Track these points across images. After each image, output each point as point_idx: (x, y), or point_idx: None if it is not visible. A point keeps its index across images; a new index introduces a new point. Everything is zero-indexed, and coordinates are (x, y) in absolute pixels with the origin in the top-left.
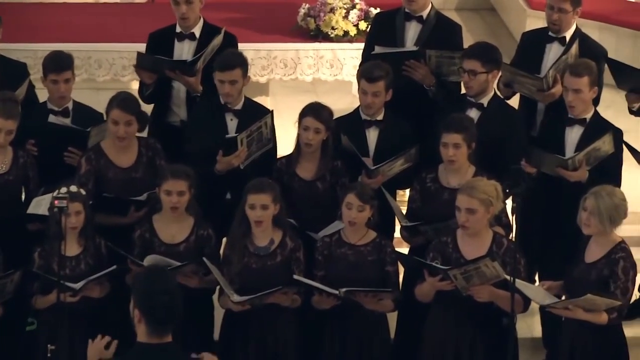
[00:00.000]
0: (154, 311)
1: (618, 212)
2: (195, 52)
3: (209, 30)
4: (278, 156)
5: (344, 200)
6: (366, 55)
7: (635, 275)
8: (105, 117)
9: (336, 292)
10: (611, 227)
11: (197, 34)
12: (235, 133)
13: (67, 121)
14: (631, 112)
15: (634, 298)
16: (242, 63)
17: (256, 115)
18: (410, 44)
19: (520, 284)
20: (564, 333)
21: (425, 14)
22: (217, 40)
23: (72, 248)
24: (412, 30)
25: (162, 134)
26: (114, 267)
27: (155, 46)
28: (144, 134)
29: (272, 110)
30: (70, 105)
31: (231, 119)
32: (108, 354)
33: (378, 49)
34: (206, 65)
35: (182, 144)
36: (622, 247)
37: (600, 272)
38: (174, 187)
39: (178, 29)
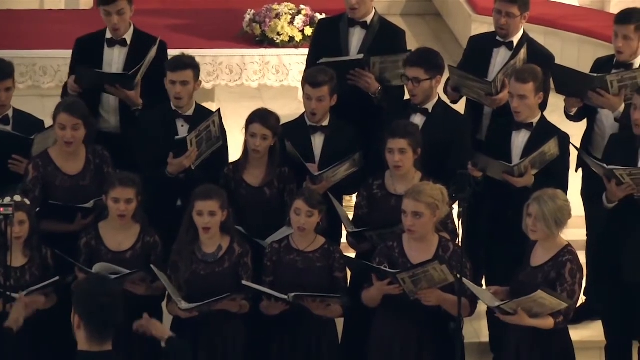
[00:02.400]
0: (92, 315)
1: (562, 213)
2: (127, 58)
3: (140, 37)
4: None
5: (293, 206)
6: (310, 62)
7: (582, 278)
8: (48, 124)
9: (285, 297)
10: (558, 230)
11: (128, 40)
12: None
13: (7, 129)
14: (568, 116)
15: (580, 302)
16: (194, 65)
17: None
18: (354, 50)
19: (470, 285)
20: (510, 337)
21: (369, 19)
22: (153, 51)
23: (17, 259)
24: (356, 36)
25: (94, 141)
26: (57, 278)
27: (84, 52)
28: None
29: (219, 109)
30: (10, 113)
31: (182, 125)
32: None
33: (324, 60)
34: (147, 76)
35: (131, 153)
36: (568, 250)
37: (547, 275)
38: (121, 195)
39: (108, 35)
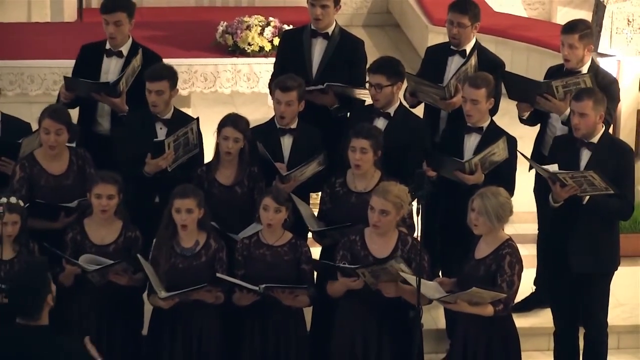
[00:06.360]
0: (25, 296)
1: (504, 209)
2: (122, 70)
3: (136, 50)
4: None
5: (262, 203)
6: (276, 70)
7: (521, 270)
8: (34, 127)
9: (256, 288)
10: (499, 225)
11: (125, 52)
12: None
13: None
14: (521, 120)
15: (530, 292)
16: (170, 76)
17: (184, 124)
18: (317, 59)
19: (411, 279)
20: (459, 324)
21: (330, 30)
22: (136, 61)
23: (6, 252)
24: (319, 46)
25: (90, 142)
26: None
27: (86, 59)
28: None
29: (198, 117)
30: None
31: (160, 128)
32: None
33: None
34: (136, 84)
35: (113, 151)
36: (508, 244)
37: (489, 267)
38: (103, 191)
39: (107, 46)
